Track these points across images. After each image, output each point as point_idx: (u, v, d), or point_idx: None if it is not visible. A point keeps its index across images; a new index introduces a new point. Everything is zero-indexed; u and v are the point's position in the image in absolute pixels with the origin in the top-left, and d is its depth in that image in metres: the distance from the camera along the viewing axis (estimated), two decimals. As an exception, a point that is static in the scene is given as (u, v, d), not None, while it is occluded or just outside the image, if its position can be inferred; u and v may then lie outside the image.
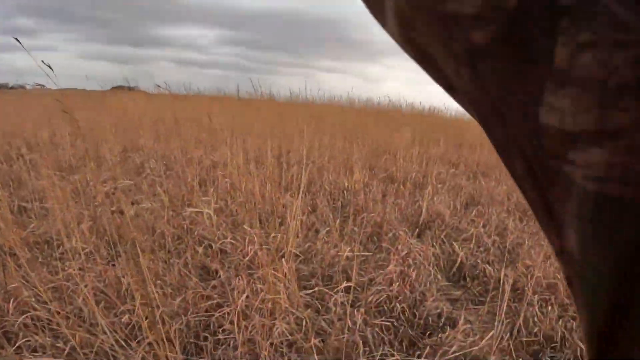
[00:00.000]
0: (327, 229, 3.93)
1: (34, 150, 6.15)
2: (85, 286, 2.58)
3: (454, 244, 4.01)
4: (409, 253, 3.61)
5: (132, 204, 4.38)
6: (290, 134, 7.38)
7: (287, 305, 2.76)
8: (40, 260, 3.22)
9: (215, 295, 2.91)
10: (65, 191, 4.01)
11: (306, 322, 2.66)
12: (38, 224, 3.69)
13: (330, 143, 7.32)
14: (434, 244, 4.01)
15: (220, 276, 3.18)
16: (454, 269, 3.77)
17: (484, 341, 2.58)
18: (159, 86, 6.38)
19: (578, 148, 0.21)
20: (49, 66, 2.73)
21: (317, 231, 4.05)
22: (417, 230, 4.30)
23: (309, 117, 9.02)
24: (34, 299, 2.61)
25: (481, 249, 4.07)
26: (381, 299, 3.03)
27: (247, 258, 3.38)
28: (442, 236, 4.22)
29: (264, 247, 3.41)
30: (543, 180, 0.24)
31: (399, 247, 3.68)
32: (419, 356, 2.55)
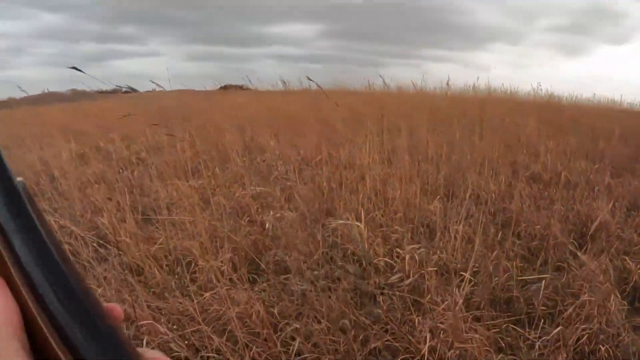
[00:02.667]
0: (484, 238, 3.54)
1: (153, 154, 6.17)
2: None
3: (626, 258, 3.45)
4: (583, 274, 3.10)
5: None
6: (413, 127, 6.83)
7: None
8: (172, 282, 2.95)
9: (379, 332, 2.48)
10: (192, 198, 3.79)
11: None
12: (166, 237, 3.45)
13: (459, 136, 6.68)
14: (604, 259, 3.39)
15: (380, 303, 2.85)
16: (628, 289, 3.20)
17: None
18: (281, 83, 6.10)
19: None
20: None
21: (470, 242, 3.54)
22: (582, 242, 3.76)
23: (428, 107, 8.41)
24: (170, 337, 2.31)
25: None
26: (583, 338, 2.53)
27: (409, 281, 2.94)
28: (612, 249, 3.61)
29: (429, 269, 2.96)
30: None
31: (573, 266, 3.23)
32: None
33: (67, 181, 4.40)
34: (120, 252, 3.15)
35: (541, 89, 12.97)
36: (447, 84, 9.59)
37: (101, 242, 3.24)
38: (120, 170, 5.32)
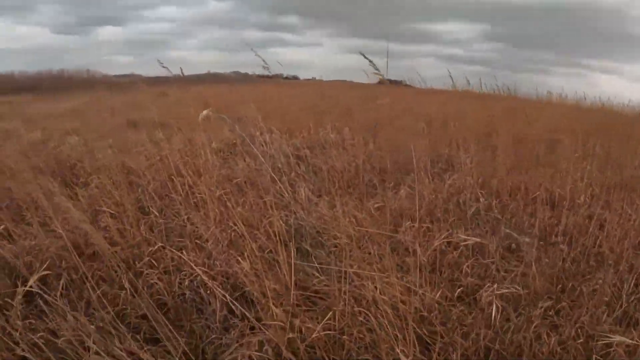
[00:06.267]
0: None
1: (316, 153, 5.13)
2: None
3: None
4: None
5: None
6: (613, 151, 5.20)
7: None
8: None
9: None
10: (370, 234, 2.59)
11: None
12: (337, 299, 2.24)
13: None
14: None
15: None
16: None
17: None
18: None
19: None
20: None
21: None
22: None
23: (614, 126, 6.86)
24: None
25: None
26: None
27: None
28: None
29: None
30: None
31: None
32: None
33: (209, 180, 3.43)
34: (264, 330, 2.00)
35: None
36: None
37: (234, 302, 2.11)
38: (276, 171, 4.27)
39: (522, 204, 4.06)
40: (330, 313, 2.02)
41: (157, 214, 3.19)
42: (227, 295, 2.08)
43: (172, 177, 3.48)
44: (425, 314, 2.19)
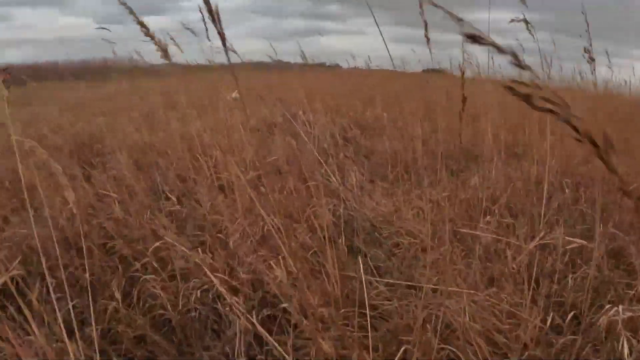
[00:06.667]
0: None
1: (367, 135, 4.52)
2: None
3: None
4: None
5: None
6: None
7: None
8: None
9: None
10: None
11: None
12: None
13: None
14: None
15: None
16: None
17: None
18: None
19: None
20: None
21: None
22: None
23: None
24: None
25: None
26: None
27: None
28: None
29: None
30: None
31: None
32: None
33: (241, 160, 2.83)
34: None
35: None
36: None
37: (255, 324, 1.48)
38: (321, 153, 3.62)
39: (616, 197, 3.30)
40: (403, 348, 1.37)
41: (175, 200, 2.59)
42: (251, 316, 1.46)
43: (198, 155, 2.87)
44: (534, 351, 1.51)
